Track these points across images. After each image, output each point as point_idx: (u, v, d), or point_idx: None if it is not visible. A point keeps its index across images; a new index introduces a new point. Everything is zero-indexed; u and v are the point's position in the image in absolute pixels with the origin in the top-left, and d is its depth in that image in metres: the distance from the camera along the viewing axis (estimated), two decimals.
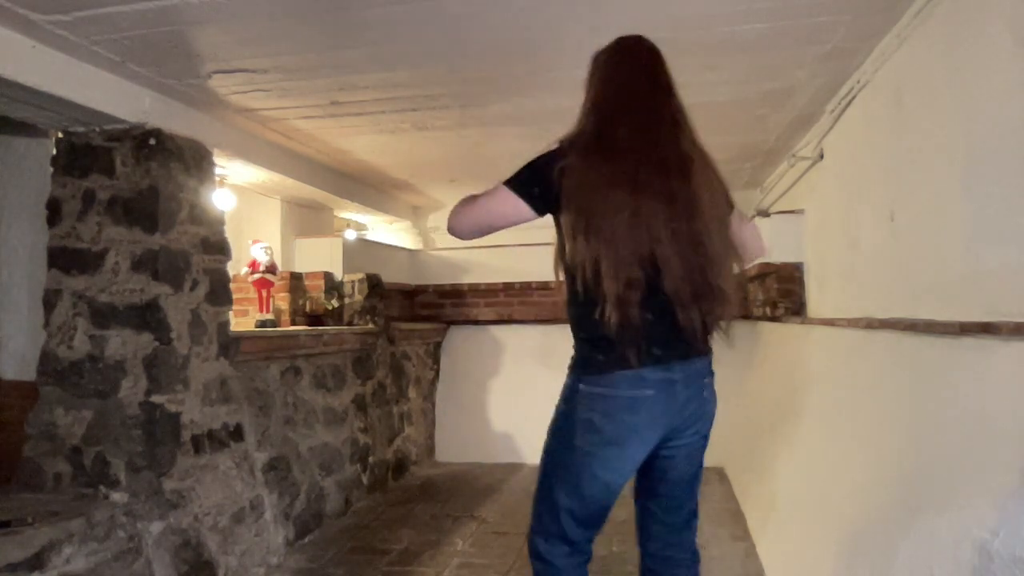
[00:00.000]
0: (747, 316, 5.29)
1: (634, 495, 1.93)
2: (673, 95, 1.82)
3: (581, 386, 1.71)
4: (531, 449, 5.46)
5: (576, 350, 1.75)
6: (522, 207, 1.72)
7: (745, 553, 3.36)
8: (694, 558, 1.90)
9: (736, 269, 1.80)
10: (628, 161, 1.64)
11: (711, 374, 1.81)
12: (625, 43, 1.87)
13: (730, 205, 1.85)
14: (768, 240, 4.29)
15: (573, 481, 1.75)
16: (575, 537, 1.80)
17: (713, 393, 1.82)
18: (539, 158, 1.73)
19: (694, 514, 1.90)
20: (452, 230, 1.85)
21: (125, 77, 2.93)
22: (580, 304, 1.66)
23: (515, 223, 1.77)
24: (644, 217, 1.60)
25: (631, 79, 1.79)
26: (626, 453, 1.71)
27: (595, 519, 1.81)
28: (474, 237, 1.85)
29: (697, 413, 1.76)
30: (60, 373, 2.97)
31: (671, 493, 1.85)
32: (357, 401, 4.61)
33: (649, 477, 1.84)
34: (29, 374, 3.14)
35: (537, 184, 1.70)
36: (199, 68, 2.90)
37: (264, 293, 4.38)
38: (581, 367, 1.72)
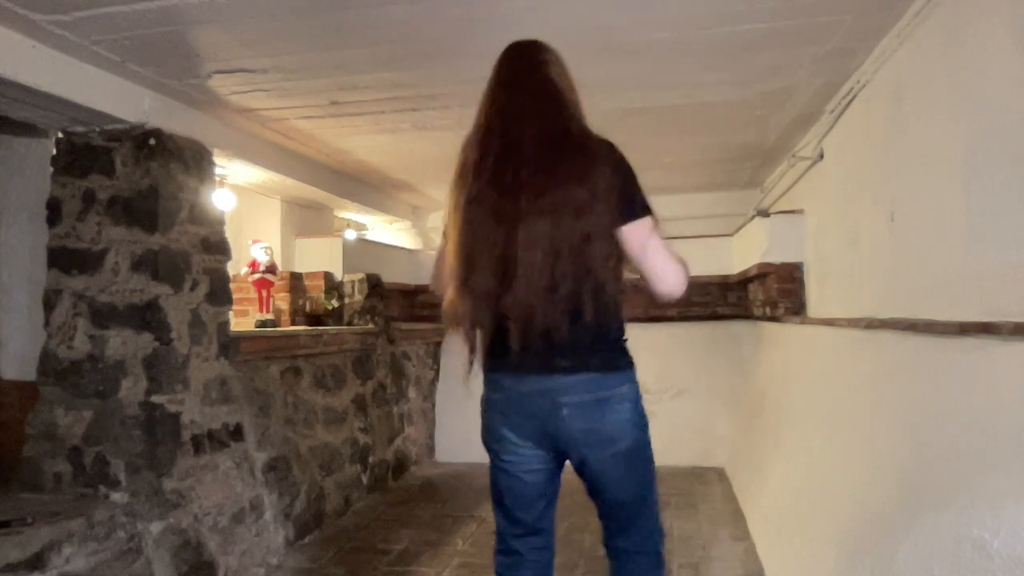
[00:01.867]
0: (747, 316, 5.29)
1: None
2: (525, 90, 1.73)
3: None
4: None
5: None
6: (441, 246, 1.82)
7: (745, 553, 3.36)
8: (641, 559, 1.85)
9: (600, 286, 1.60)
10: (470, 182, 1.67)
11: (587, 393, 1.66)
12: (501, 53, 1.86)
13: (616, 213, 1.60)
14: (767, 240, 4.32)
15: (490, 471, 1.87)
16: (503, 531, 1.88)
17: (594, 415, 1.67)
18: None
19: (628, 525, 1.83)
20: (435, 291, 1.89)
21: (125, 77, 2.93)
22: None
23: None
24: (478, 239, 1.63)
25: (488, 91, 1.79)
26: (501, 449, 1.79)
27: (513, 518, 1.85)
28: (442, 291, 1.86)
29: (565, 431, 1.68)
30: (60, 373, 2.97)
31: (595, 500, 1.83)
32: (357, 401, 4.61)
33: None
34: (29, 374, 3.14)
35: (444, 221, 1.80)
36: (199, 68, 2.90)
37: (264, 293, 4.38)
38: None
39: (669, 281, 1.64)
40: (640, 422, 1.75)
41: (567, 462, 1.80)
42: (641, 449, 1.77)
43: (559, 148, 1.64)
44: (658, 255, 1.63)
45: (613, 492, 1.78)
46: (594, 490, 1.80)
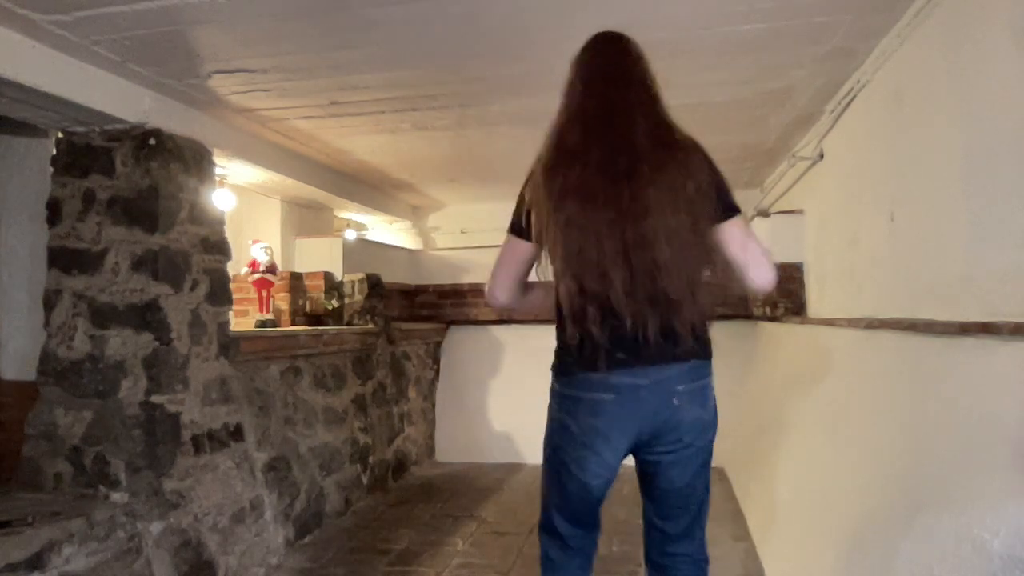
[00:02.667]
0: (747, 316, 5.29)
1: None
2: (627, 83, 1.74)
3: (556, 387, 1.78)
4: (531, 449, 5.46)
5: (555, 352, 1.80)
6: (523, 245, 1.76)
7: (745, 553, 3.36)
8: (695, 569, 1.85)
9: (709, 276, 1.66)
10: (574, 171, 1.63)
11: (693, 381, 1.69)
12: (588, 43, 1.86)
13: (716, 210, 1.65)
14: (768, 241, 4.32)
15: (556, 478, 1.81)
16: (564, 533, 1.85)
17: (697, 401, 1.70)
18: (523, 187, 1.77)
19: (691, 526, 1.82)
20: (490, 303, 1.90)
21: (125, 77, 2.93)
22: (557, 312, 1.73)
23: (532, 262, 1.79)
24: (591, 231, 1.60)
25: (585, 81, 1.77)
26: (595, 454, 1.72)
27: (580, 517, 1.84)
28: (512, 298, 1.85)
29: (672, 420, 1.68)
30: (60, 373, 2.97)
31: (664, 501, 1.81)
32: (357, 401, 4.61)
33: (643, 483, 1.85)
34: (29, 374, 3.14)
35: (520, 215, 1.74)
36: (199, 68, 2.90)
37: (264, 293, 4.38)
38: (555, 369, 1.78)
39: (767, 272, 1.68)
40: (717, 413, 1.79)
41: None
42: (714, 441, 1.80)
43: (663, 143, 1.67)
44: (758, 248, 1.68)
45: (691, 489, 1.77)
46: (673, 487, 1.77)
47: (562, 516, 1.84)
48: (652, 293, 1.60)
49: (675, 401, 1.67)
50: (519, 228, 1.75)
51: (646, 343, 1.62)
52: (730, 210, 1.67)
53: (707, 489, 1.82)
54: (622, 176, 1.61)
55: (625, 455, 1.75)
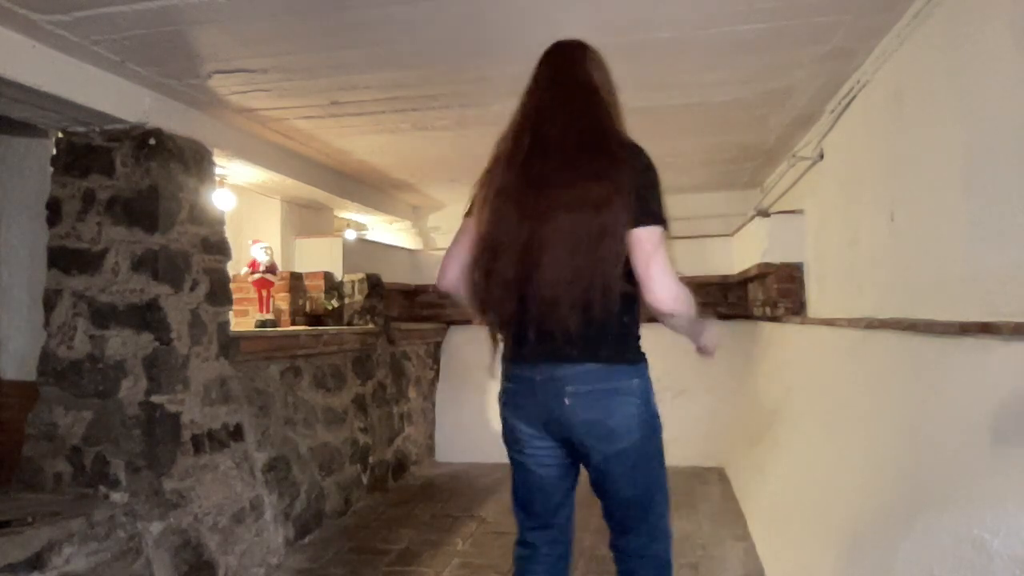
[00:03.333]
0: (747, 316, 5.29)
1: None
2: (566, 89, 1.76)
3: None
4: None
5: None
6: (470, 222, 1.82)
7: (745, 553, 3.36)
8: (639, 564, 1.84)
9: (614, 281, 1.61)
10: (499, 175, 1.72)
11: (590, 384, 1.68)
12: (543, 54, 1.88)
13: (631, 217, 1.60)
14: (767, 240, 4.32)
15: (511, 466, 1.89)
16: (521, 523, 1.91)
17: (596, 406, 1.68)
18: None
19: (630, 522, 1.81)
20: (440, 287, 1.94)
21: (125, 77, 2.93)
22: None
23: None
24: (502, 230, 1.67)
25: (529, 88, 1.82)
26: (515, 441, 1.81)
27: (531, 508, 1.87)
28: (456, 278, 1.87)
29: (564, 421, 1.69)
30: (60, 373, 2.97)
31: (599, 496, 1.82)
32: (357, 401, 4.61)
33: None
34: (29, 374, 3.14)
35: (470, 201, 1.84)
36: (199, 68, 2.90)
37: (264, 293, 4.38)
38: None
39: (661, 294, 1.60)
40: (649, 421, 1.74)
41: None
42: (648, 448, 1.75)
43: (586, 146, 1.67)
44: (657, 266, 1.60)
45: (616, 490, 1.77)
46: (597, 486, 1.80)
47: (517, 505, 1.90)
48: (548, 294, 1.63)
49: (566, 401, 1.68)
50: (469, 211, 1.83)
51: (537, 340, 1.68)
52: (646, 219, 1.61)
53: (648, 495, 1.79)
54: (534, 179, 1.67)
55: (559, 447, 1.77)
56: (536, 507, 1.87)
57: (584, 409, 1.68)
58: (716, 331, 1.86)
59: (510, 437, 1.83)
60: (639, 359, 1.75)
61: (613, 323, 1.66)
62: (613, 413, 1.68)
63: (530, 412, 1.76)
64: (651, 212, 1.63)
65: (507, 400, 1.82)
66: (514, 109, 1.81)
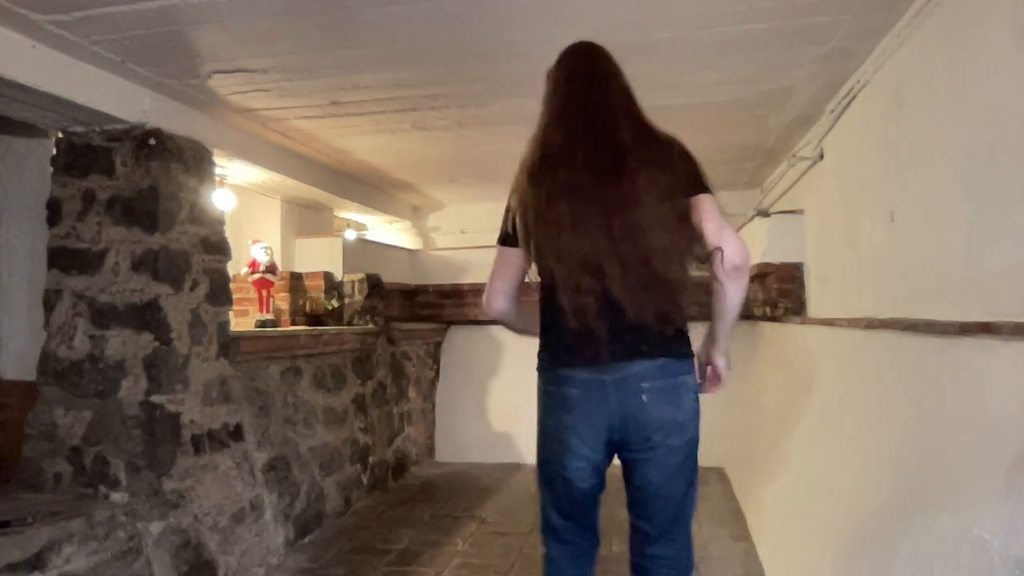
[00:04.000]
0: (747, 316, 5.29)
1: None
2: (607, 86, 1.81)
3: (539, 383, 1.83)
4: (531, 449, 5.40)
5: (538, 351, 1.86)
6: (514, 252, 1.82)
7: (745, 553, 3.36)
8: (673, 573, 1.83)
9: (690, 259, 1.70)
10: (560, 173, 1.70)
11: (663, 379, 1.70)
12: (562, 54, 1.91)
13: (688, 192, 1.71)
14: (767, 240, 4.32)
15: (544, 474, 1.86)
16: (557, 526, 1.89)
17: (666, 400, 1.71)
18: (508, 197, 1.83)
19: (670, 528, 1.81)
20: (488, 313, 1.94)
21: (125, 77, 2.93)
22: (542, 310, 1.80)
23: (525, 268, 1.84)
24: (582, 226, 1.65)
25: (564, 87, 1.83)
26: (568, 450, 1.76)
27: (570, 512, 1.87)
28: (508, 305, 1.90)
29: (639, 418, 1.69)
30: (60, 373, 2.97)
31: (641, 501, 1.81)
32: (357, 401, 4.61)
33: (625, 483, 1.86)
34: (29, 374, 3.14)
35: (507, 225, 1.81)
36: (199, 68, 2.90)
37: (264, 293, 4.38)
38: (537, 367, 1.84)
39: (734, 244, 1.67)
40: (698, 417, 1.79)
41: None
42: (696, 445, 1.80)
43: (647, 139, 1.74)
44: (723, 222, 1.70)
45: (665, 489, 1.77)
46: (645, 486, 1.78)
47: (554, 510, 1.89)
48: (646, 282, 1.64)
49: (643, 398, 1.69)
50: (507, 238, 1.82)
51: (610, 339, 1.67)
52: (700, 188, 1.72)
53: (689, 492, 1.80)
54: (609, 173, 1.68)
55: (607, 452, 1.77)
56: (577, 515, 1.88)
57: (658, 404, 1.70)
58: (728, 371, 1.90)
59: (556, 443, 1.78)
60: (692, 352, 1.80)
61: (680, 315, 1.72)
62: (681, 406, 1.73)
63: (596, 416, 1.71)
64: (704, 183, 1.73)
65: (562, 407, 1.75)
66: (545, 110, 1.83)
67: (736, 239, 1.69)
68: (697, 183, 1.72)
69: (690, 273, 1.70)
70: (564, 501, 1.85)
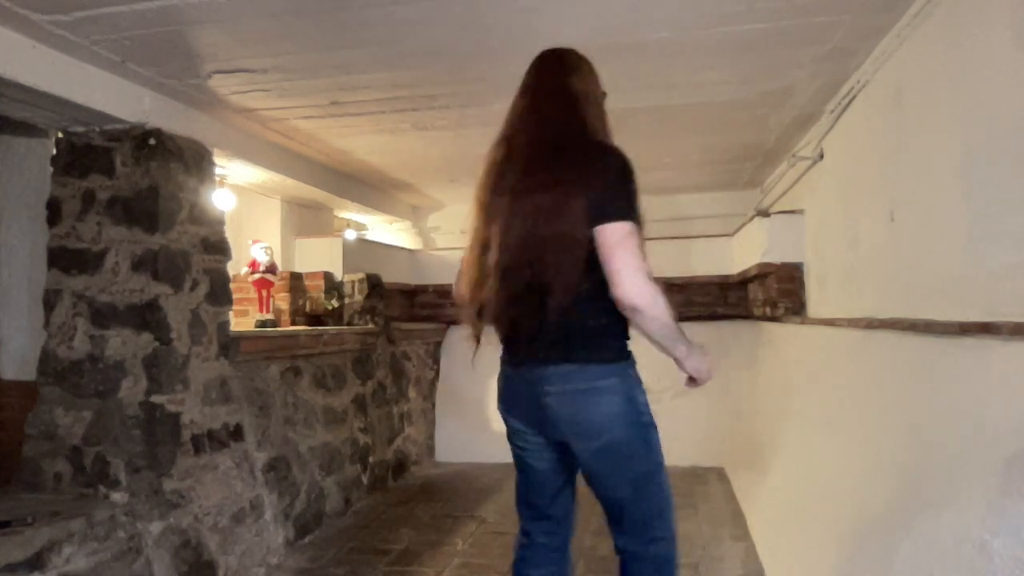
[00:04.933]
0: (747, 316, 5.29)
1: None
2: (535, 97, 1.83)
3: None
4: None
5: None
6: None
7: (745, 553, 3.36)
8: (634, 563, 1.84)
9: (588, 281, 1.64)
10: (482, 184, 1.81)
11: (565, 384, 1.71)
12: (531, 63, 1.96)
13: (594, 219, 1.61)
14: (767, 240, 4.32)
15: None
16: (521, 513, 1.99)
17: (572, 405, 1.71)
18: None
19: (622, 520, 1.81)
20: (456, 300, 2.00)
21: (125, 77, 2.93)
22: None
23: None
24: (483, 239, 1.77)
25: (515, 99, 1.89)
26: (514, 436, 1.91)
27: (529, 499, 1.96)
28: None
29: (547, 419, 1.76)
30: (60, 373, 2.97)
31: (597, 498, 1.84)
32: (357, 401, 4.61)
33: None
34: (29, 374, 3.14)
35: None
36: (199, 68, 2.90)
37: (264, 293, 4.38)
38: None
39: (623, 287, 1.59)
40: (634, 418, 1.75)
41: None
42: (635, 446, 1.75)
43: (550, 153, 1.72)
44: (619, 260, 1.59)
45: (605, 489, 1.80)
46: (588, 484, 1.84)
47: (517, 496, 1.99)
48: (525, 296, 1.70)
49: (546, 400, 1.74)
50: None
51: (521, 343, 1.78)
52: (602, 217, 1.61)
53: (638, 492, 1.78)
54: (508, 187, 1.74)
55: (551, 444, 1.84)
56: (533, 498, 1.95)
57: (563, 408, 1.73)
58: (706, 359, 1.77)
59: (509, 431, 1.93)
60: (618, 358, 1.75)
61: (586, 324, 1.70)
62: (590, 410, 1.72)
63: (522, 410, 1.85)
64: (613, 210, 1.62)
65: (502, 398, 1.90)
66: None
67: (629, 278, 1.59)
68: (605, 210, 1.61)
69: (580, 291, 1.65)
70: (522, 488, 1.97)
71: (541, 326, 1.70)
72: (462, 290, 1.89)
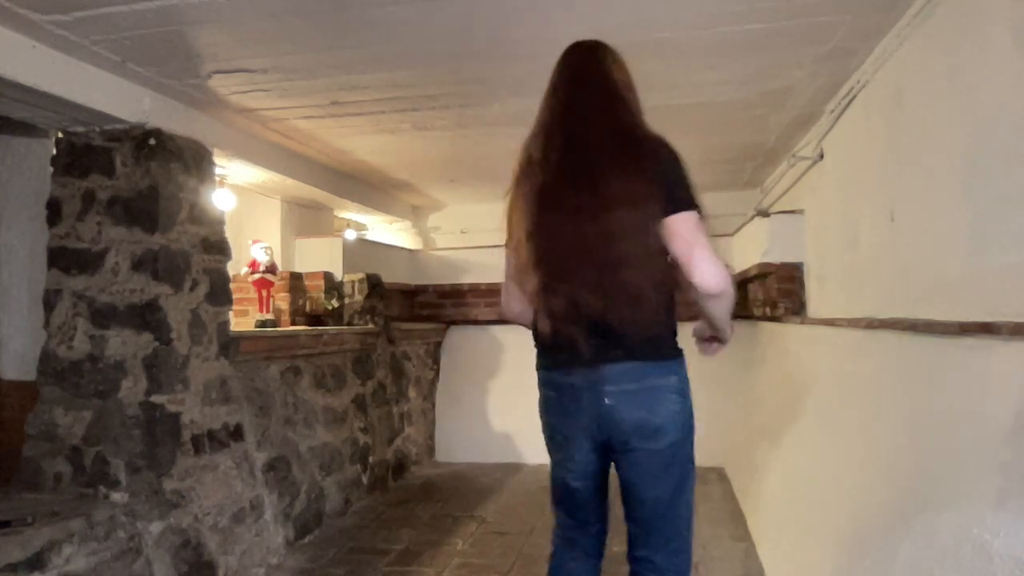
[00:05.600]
0: (747, 316, 5.29)
1: None
2: (587, 89, 1.80)
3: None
4: (531, 449, 5.46)
5: None
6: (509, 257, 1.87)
7: (745, 553, 3.36)
8: (640, 566, 1.82)
9: (666, 267, 1.66)
10: (537, 179, 1.73)
11: (631, 382, 1.70)
12: (561, 54, 1.91)
13: (664, 209, 1.64)
14: (767, 240, 4.32)
15: (550, 470, 1.92)
16: (559, 522, 1.94)
17: (637, 403, 1.69)
18: None
19: (656, 531, 1.79)
20: (504, 317, 1.98)
21: (125, 77, 2.93)
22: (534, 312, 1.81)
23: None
24: (555, 232, 1.69)
25: (549, 91, 1.85)
26: (557, 448, 1.84)
27: (568, 508, 1.91)
28: (520, 310, 1.91)
29: (611, 421, 1.70)
30: (60, 373, 2.97)
31: (628, 501, 1.81)
32: (357, 401, 4.61)
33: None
34: (29, 374, 3.14)
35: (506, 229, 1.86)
36: (199, 68, 2.90)
37: (264, 293, 4.38)
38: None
39: (708, 275, 1.62)
40: (687, 419, 1.76)
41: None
42: (684, 449, 1.76)
43: (620, 144, 1.71)
44: (700, 249, 1.63)
45: (648, 490, 1.75)
46: (629, 487, 1.78)
47: (555, 505, 1.93)
48: (615, 287, 1.65)
49: (607, 400, 1.69)
50: (506, 243, 1.86)
51: (583, 342, 1.69)
52: (679, 206, 1.64)
53: (677, 498, 1.77)
54: (579, 176, 1.69)
55: (595, 452, 1.78)
56: (576, 511, 1.90)
57: (627, 407, 1.69)
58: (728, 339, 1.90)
59: (552, 444, 1.86)
60: (677, 354, 1.76)
61: (653, 319, 1.69)
62: (657, 410, 1.70)
63: (575, 418, 1.76)
64: (683, 199, 1.65)
65: (550, 407, 1.82)
66: (538, 110, 1.85)
67: (707, 264, 1.62)
68: (675, 198, 1.65)
69: (669, 277, 1.67)
70: (562, 497, 1.89)
71: (609, 322, 1.65)
72: (514, 307, 1.88)
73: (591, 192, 1.66)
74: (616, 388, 1.69)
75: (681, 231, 1.63)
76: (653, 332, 1.71)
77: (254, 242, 4.48)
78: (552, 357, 1.79)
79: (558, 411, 1.80)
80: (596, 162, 1.68)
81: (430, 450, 5.80)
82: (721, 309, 1.72)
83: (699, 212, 1.66)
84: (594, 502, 1.88)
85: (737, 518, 3.91)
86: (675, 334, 1.77)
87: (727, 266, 1.68)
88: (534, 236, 1.72)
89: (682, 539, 1.80)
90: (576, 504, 1.87)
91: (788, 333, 4.28)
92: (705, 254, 1.63)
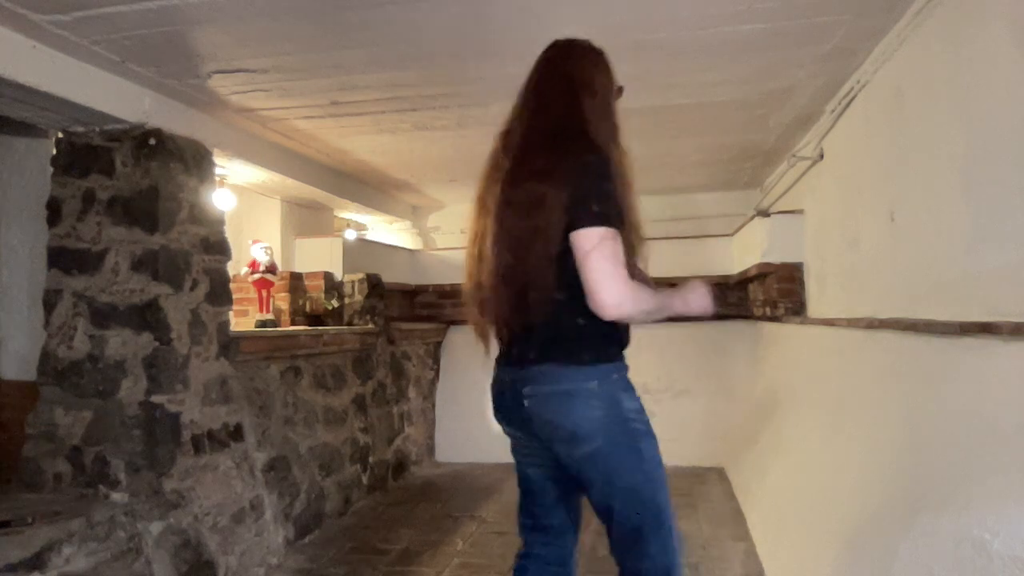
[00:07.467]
0: (747, 316, 5.29)
1: None
2: (529, 90, 1.79)
3: None
4: None
5: None
6: None
7: (745, 553, 3.36)
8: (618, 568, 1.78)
9: (572, 280, 1.57)
10: (489, 179, 1.76)
11: (542, 385, 1.64)
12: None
13: (570, 220, 1.55)
14: (767, 240, 4.32)
15: None
16: (519, 521, 1.95)
17: (549, 408, 1.64)
18: None
19: (617, 533, 1.71)
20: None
21: (125, 77, 2.93)
22: None
23: None
24: (478, 235, 1.75)
25: (519, 91, 1.85)
26: (510, 440, 1.87)
27: (524, 506, 1.92)
28: None
29: (534, 424, 1.67)
30: (60, 373, 2.97)
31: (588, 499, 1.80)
32: (357, 401, 4.61)
33: None
34: (29, 374, 3.14)
35: None
36: (199, 68, 2.90)
37: (264, 293, 4.38)
38: None
39: (599, 297, 1.53)
40: (620, 426, 1.63)
41: None
42: (622, 456, 1.63)
43: (541, 142, 1.67)
44: (593, 269, 1.53)
45: (595, 500, 1.70)
46: (582, 487, 1.75)
47: (518, 505, 1.94)
48: (513, 291, 1.66)
49: (525, 402, 1.67)
50: None
51: (507, 343, 1.74)
52: (584, 220, 1.54)
53: (625, 505, 1.65)
54: (496, 178, 1.72)
55: (544, 451, 1.73)
56: (530, 507, 1.88)
57: (539, 409, 1.65)
58: (697, 293, 1.75)
59: (505, 435, 1.88)
60: (599, 360, 1.64)
61: (565, 324, 1.62)
62: (565, 414, 1.62)
63: (509, 413, 1.77)
64: (588, 213, 1.54)
65: (492, 399, 1.85)
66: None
67: (605, 288, 1.52)
68: (580, 213, 1.54)
69: (540, 293, 1.61)
70: (521, 494, 1.92)
71: (525, 324, 1.65)
72: (465, 287, 1.87)
73: (501, 194, 1.69)
74: (531, 389, 1.66)
75: (579, 246, 1.54)
76: (567, 336, 1.63)
77: (254, 242, 4.48)
78: (498, 352, 1.82)
79: (497, 404, 1.82)
80: (524, 160, 1.68)
81: (430, 450, 5.80)
82: (640, 324, 1.65)
83: (609, 227, 1.54)
84: (547, 499, 1.83)
85: (737, 518, 3.91)
86: (598, 338, 1.64)
87: (644, 284, 1.61)
88: (472, 237, 1.79)
89: (650, 545, 1.67)
90: (527, 494, 1.87)
91: (788, 333, 4.28)
92: (598, 276, 1.52)
